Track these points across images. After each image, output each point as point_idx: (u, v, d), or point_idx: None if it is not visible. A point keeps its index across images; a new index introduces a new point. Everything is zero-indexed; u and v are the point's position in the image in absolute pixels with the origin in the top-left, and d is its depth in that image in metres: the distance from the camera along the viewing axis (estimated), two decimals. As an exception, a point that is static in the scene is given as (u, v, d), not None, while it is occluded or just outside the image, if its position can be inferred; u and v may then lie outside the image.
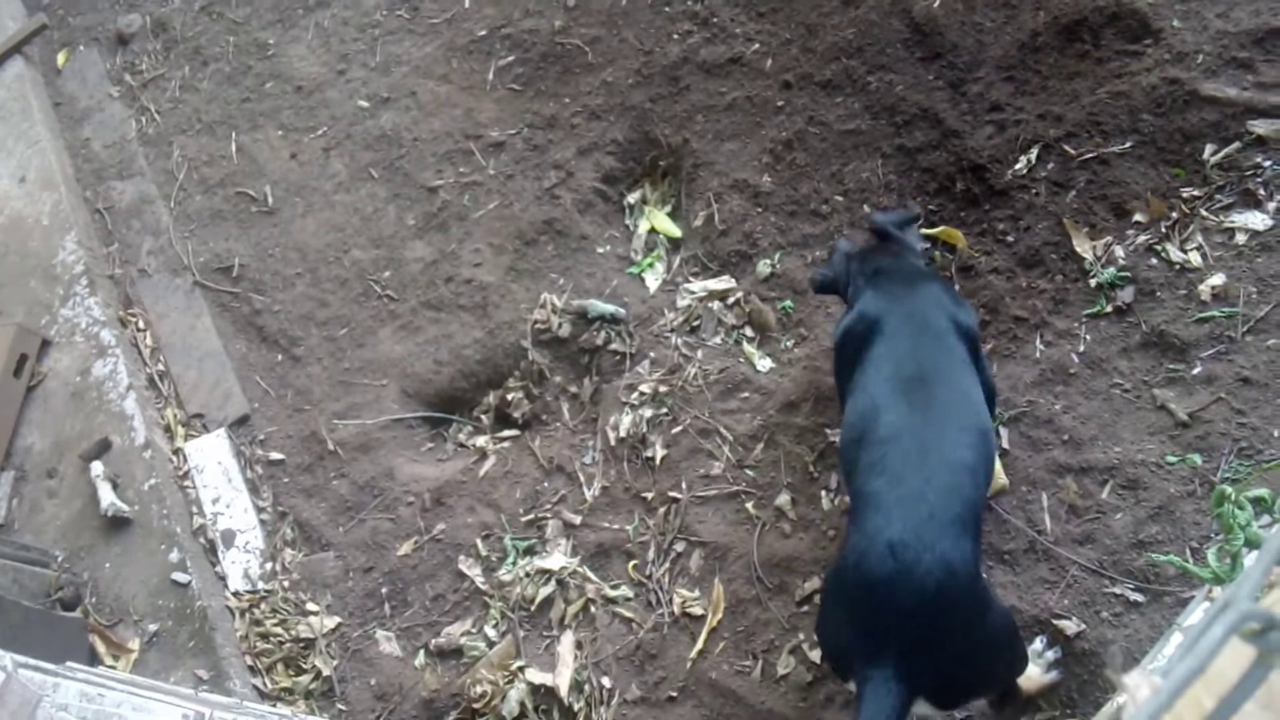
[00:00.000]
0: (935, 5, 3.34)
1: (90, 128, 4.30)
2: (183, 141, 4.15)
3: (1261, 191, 2.73)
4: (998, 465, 2.63)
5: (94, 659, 3.04)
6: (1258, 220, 2.72)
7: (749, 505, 2.97)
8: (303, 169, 3.96)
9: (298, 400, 3.57)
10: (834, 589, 2.13)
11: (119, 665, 3.05)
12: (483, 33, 3.98)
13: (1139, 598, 2.42)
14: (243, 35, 4.33)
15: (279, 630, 3.17)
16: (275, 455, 3.49)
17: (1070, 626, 2.44)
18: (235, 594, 3.24)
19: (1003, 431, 2.74)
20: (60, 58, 4.50)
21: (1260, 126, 2.78)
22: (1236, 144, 2.81)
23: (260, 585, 3.26)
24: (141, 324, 3.78)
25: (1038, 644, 2.43)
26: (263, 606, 3.22)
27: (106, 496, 3.25)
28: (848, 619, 2.02)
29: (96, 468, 3.33)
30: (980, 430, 2.14)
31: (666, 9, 3.74)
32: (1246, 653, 0.69)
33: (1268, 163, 2.75)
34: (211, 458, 3.45)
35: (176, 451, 3.49)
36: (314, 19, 4.27)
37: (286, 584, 3.26)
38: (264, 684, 3.09)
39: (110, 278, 3.89)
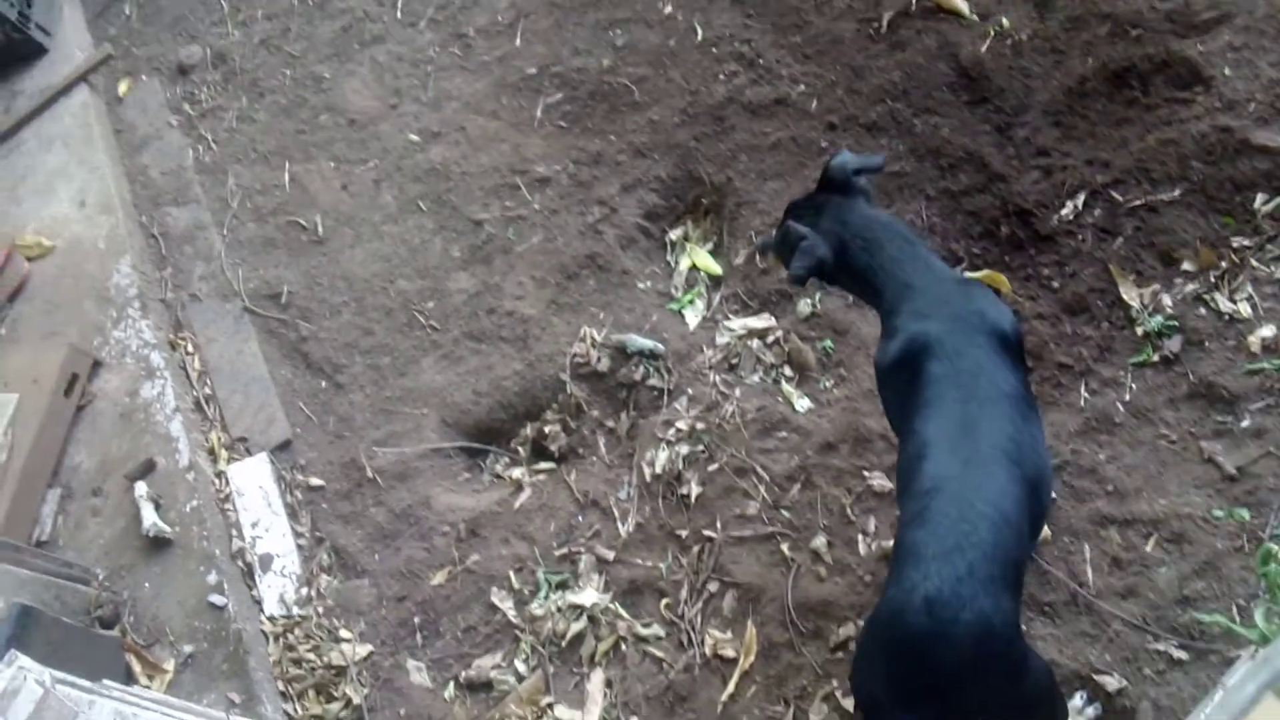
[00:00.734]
0: (983, 50, 3.34)
1: (149, 155, 4.42)
2: (238, 170, 4.25)
3: (1315, 243, 2.69)
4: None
5: (129, 678, 3.07)
6: (1311, 272, 2.67)
7: (784, 547, 2.94)
8: (353, 200, 4.03)
9: (339, 427, 3.61)
10: (870, 638, 2.07)
11: (154, 685, 3.07)
12: (533, 71, 4.04)
13: (1183, 655, 2.36)
14: (299, 69, 4.43)
15: (312, 656, 3.18)
16: (315, 481, 3.52)
17: (1111, 682, 2.38)
18: (270, 618, 3.26)
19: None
20: (123, 87, 4.63)
21: (1314, 177, 2.74)
22: (1289, 194, 2.77)
23: (295, 610, 3.28)
24: (190, 347, 3.85)
25: (1077, 700, 2.38)
26: (297, 632, 3.24)
27: (149, 517, 3.30)
28: (882, 670, 1.97)
29: (140, 488, 3.38)
30: (1029, 481, 2.02)
31: (714, 50, 3.78)
32: (1285, 718, 0.67)
33: (1322, 214, 2.71)
34: (253, 481, 3.50)
35: (219, 474, 3.54)
36: (369, 54, 4.36)
37: (321, 610, 3.28)
38: (295, 710, 3.10)
39: (162, 301, 3.97)
